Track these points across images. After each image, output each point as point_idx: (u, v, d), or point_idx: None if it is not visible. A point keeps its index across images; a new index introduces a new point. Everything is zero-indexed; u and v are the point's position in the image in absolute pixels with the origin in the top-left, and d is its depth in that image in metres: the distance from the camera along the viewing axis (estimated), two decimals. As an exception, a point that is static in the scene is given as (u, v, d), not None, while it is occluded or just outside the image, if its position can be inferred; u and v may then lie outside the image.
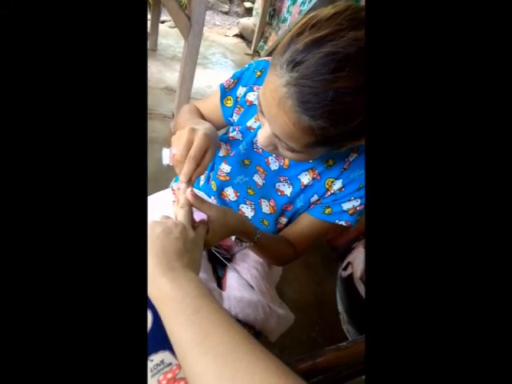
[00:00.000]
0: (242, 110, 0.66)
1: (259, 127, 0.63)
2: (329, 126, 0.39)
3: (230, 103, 0.68)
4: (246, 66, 0.67)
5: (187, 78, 1.65)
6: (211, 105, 0.72)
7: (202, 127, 0.52)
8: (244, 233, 0.55)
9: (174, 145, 0.50)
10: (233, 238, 0.57)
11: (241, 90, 0.66)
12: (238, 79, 0.66)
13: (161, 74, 2.41)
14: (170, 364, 0.34)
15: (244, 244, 0.58)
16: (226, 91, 0.68)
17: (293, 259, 0.68)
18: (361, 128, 0.40)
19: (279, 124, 0.43)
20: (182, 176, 0.48)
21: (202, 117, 0.73)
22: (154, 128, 1.84)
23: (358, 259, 1.25)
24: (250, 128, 0.65)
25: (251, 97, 0.64)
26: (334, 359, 0.60)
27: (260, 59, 0.66)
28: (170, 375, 0.33)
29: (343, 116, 0.39)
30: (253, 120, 0.65)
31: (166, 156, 0.51)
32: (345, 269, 1.31)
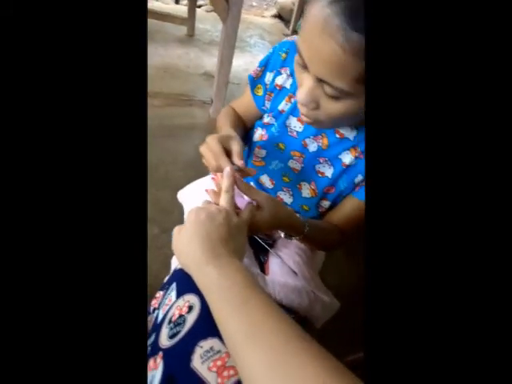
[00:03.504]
0: (273, 95, 0.66)
1: (291, 107, 0.62)
2: None
3: (260, 92, 0.69)
4: (270, 50, 0.66)
5: (225, 62, 1.63)
6: (245, 100, 0.73)
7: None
8: (292, 227, 0.55)
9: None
10: (282, 234, 0.57)
11: (269, 76, 0.65)
12: (264, 66, 0.66)
13: (199, 59, 2.42)
14: (220, 351, 0.34)
15: (293, 238, 0.57)
16: (254, 80, 0.68)
17: (341, 245, 0.66)
18: None
19: (325, 55, 0.38)
20: (224, 163, 0.50)
21: (238, 116, 0.74)
22: (193, 114, 1.86)
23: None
24: (281, 111, 0.64)
25: (280, 80, 0.64)
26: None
27: (283, 40, 0.64)
28: (219, 362, 0.32)
29: None
30: (284, 102, 0.63)
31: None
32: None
